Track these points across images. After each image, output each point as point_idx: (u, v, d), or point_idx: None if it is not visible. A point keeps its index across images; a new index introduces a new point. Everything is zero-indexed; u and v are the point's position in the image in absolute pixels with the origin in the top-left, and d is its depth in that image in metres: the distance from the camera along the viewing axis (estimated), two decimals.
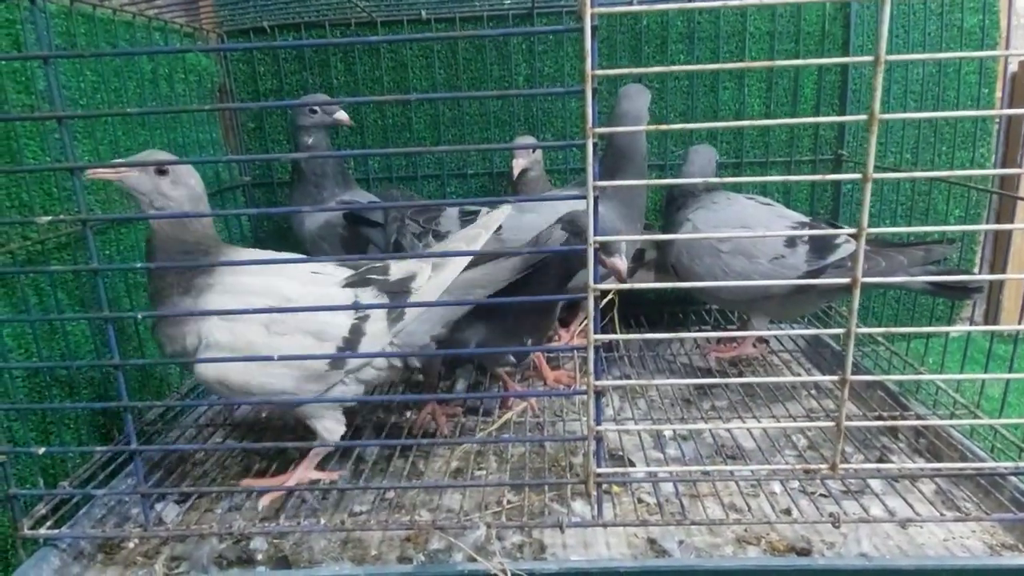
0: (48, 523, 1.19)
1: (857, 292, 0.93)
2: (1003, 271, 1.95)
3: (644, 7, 0.88)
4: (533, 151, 1.83)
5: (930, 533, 1.18)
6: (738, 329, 1.90)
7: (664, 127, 0.90)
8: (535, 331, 1.36)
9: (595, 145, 0.91)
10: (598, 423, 1.04)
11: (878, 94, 0.85)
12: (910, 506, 1.18)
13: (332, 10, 1.97)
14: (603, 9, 0.87)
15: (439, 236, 1.54)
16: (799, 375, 1.80)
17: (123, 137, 1.56)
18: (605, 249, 1.18)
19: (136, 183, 1.13)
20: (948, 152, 1.96)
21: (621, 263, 1.19)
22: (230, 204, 2.05)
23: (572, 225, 1.26)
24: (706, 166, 1.67)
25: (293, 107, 1.75)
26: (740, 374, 1.78)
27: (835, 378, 0.99)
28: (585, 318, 1.84)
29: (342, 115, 1.72)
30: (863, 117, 0.87)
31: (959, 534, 1.18)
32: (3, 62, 1.22)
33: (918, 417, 1.45)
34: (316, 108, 1.71)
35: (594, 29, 0.87)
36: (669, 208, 1.70)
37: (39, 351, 1.26)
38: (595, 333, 0.99)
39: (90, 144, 1.45)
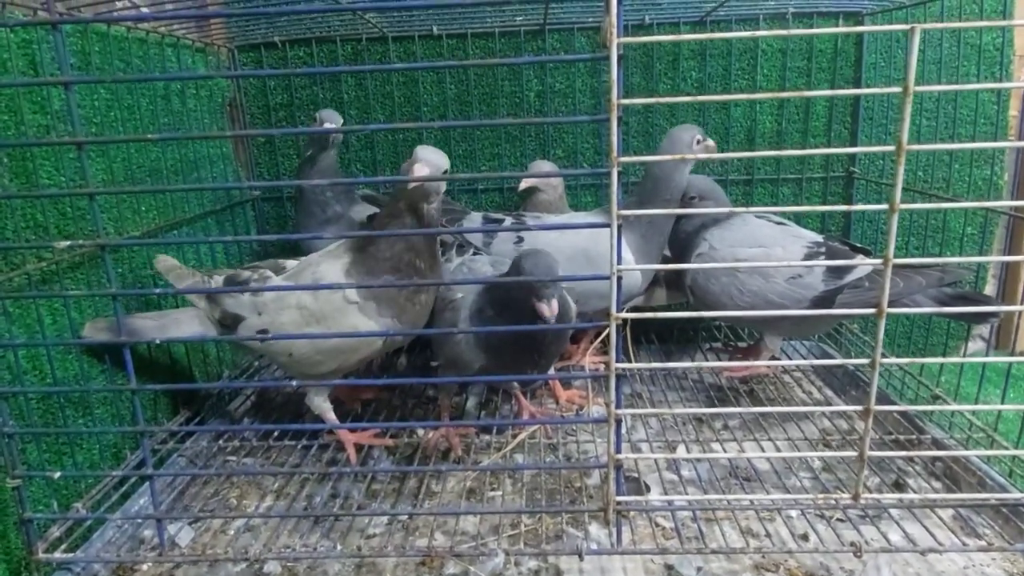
0: (62, 546, 1.18)
1: (883, 322, 0.92)
2: (1017, 290, 1.94)
3: (670, 37, 0.88)
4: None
5: (950, 561, 1.17)
6: (751, 346, 1.89)
7: (691, 156, 0.89)
8: (541, 359, 1.35)
9: (619, 174, 0.90)
10: (618, 451, 1.03)
11: (906, 124, 0.85)
12: (929, 532, 1.17)
13: (343, 25, 1.96)
14: (629, 39, 0.86)
15: (462, 249, 1.54)
16: (810, 393, 1.80)
17: (135, 154, 1.56)
18: (536, 292, 1.18)
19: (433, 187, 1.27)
20: (962, 170, 1.95)
21: (548, 308, 1.18)
22: (240, 219, 2.05)
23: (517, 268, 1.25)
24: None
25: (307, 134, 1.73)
26: (751, 391, 1.78)
27: (859, 408, 0.98)
28: (596, 337, 1.86)
29: (330, 124, 1.68)
30: (891, 148, 0.86)
31: (979, 562, 1.17)
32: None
33: (935, 441, 1.44)
34: (316, 116, 1.71)
35: (620, 58, 0.87)
36: (681, 226, 1.68)
37: (53, 372, 1.26)
38: (616, 361, 0.98)
39: (103, 163, 1.45)
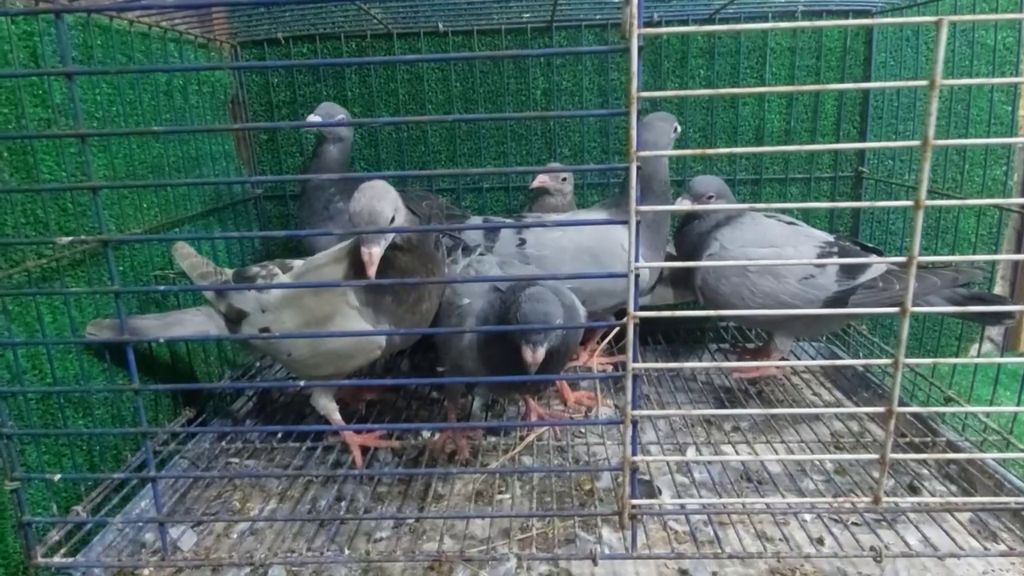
0: (62, 550, 1.15)
1: (907, 322, 0.90)
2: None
3: (692, 28, 0.85)
4: (563, 179, 1.83)
5: (968, 565, 1.15)
6: (761, 347, 1.87)
7: (710, 152, 0.87)
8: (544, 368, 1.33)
9: (638, 169, 0.88)
10: (634, 453, 1.01)
11: (933, 119, 0.83)
12: (947, 534, 1.16)
13: (348, 22, 1.94)
14: (650, 30, 0.84)
15: (468, 251, 1.51)
16: (820, 395, 1.78)
17: (137, 150, 1.53)
18: (526, 336, 1.14)
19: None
20: (972, 171, 1.93)
21: (532, 355, 1.14)
22: (242, 217, 2.02)
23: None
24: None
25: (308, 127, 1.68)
26: (760, 393, 1.75)
27: (880, 410, 0.96)
28: (601, 338, 1.84)
29: (314, 117, 1.63)
30: (917, 143, 0.84)
31: (998, 566, 1.15)
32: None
33: (949, 443, 1.42)
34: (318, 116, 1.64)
35: (640, 50, 0.84)
36: (694, 227, 1.66)
37: (53, 372, 1.23)
38: (632, 361, 0.96)
39: (105, 158, 1.42)
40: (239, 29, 1.96)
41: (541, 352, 1.14)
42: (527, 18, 1.93)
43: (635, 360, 0.97)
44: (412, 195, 1.73)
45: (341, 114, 1.67)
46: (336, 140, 1.68)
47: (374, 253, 1.17)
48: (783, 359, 1.68)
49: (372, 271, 1.17)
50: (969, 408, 1.29)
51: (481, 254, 1.52)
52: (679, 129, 1.61)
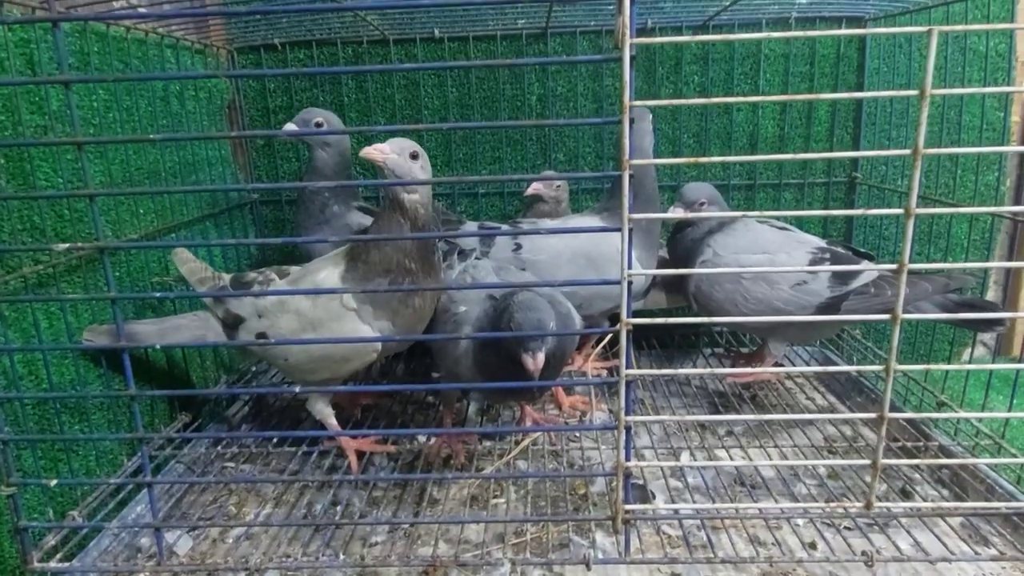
0: (58, 555, 1.16)
1: (898, 328, 0.91)
2: (1020, 297, 1.94)
3: (686, 38, 0.86)
4: (557, 187, 1.83)
5: (960, 570, 1.16)
6: (755, 352, 1.88)
7: (703, 160, 0.88)
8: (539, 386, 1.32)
9: (631, 177, 0.89)
10: (628, 459, 1.02)
11: (923, 128, 0.83)
12: (938, 539, 1.17)
13: (344, 28, 1.95)
14: (643, 40, 0.85)
15: (463, 254, 1.52)
16: (813, 399, 1.79)
17: (134, 156, 1.54)
18: (523, 343, 1.14)
19: (395, 165, 1.27)
20: (964, 176, 1.95)
21: (532, 362, 1.14)
22: (238, 222, 2.02)
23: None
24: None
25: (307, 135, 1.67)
26: (754, 397, 1.76)
27: (872, 416, 0.96)
28: (597, 343, 1.85)
29: (289, 126, 1.60)
30: (907, 152, 0.85)
31: (989, 571, 1.16)
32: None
33: (942, 448, 1.43)
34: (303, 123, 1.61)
35: (632, 59, 0.85)
36: (687, 233, 1.67)
37: (49, 378, 1.23)
38: (626, 368, 0.97)
39: (102, 164, 1.43)
40: (236, 35, 1.97)
41: (541, 358, 1.15)
42: (522, 25, 1.94)
43: (629, 366, 0.97)
44: None
45: (319, 118, 1.61)
46: (323, 146, 1.65)
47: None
48: (777, 364, 1.69)
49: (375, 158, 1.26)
50: (961, 413, 1.29)
51: (477, 258, 1.52)
52: (651, 117, 1.61)
